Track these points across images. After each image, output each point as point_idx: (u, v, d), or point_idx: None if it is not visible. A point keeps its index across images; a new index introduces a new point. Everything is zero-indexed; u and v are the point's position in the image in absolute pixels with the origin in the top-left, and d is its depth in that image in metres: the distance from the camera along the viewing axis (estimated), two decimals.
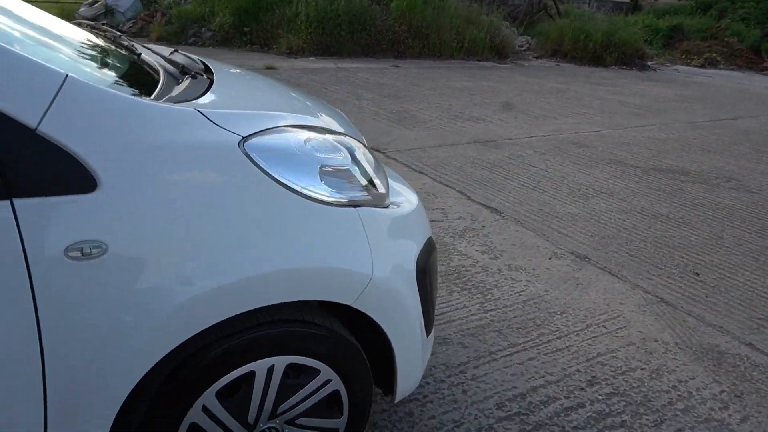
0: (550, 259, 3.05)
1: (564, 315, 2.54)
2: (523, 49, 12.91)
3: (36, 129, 1.02)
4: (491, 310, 2.53)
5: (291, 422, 1.44)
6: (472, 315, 2.48)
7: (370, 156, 1.60)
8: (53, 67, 1.08)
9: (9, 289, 1.03)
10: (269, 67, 8.21)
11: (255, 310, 1.29)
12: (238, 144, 1.24)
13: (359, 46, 10.03)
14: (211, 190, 1.19)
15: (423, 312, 1.62)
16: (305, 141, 1.39)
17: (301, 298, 1.32)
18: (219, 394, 1.32)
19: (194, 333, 1.20)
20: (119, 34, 1.88)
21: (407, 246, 1.56)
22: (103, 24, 9.49)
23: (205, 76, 1.63)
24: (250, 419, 1.37)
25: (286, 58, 9.46)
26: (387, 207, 1.56)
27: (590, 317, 2.54)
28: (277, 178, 1.27)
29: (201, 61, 1.84)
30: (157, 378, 1.23)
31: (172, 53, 1.81)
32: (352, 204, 1.41)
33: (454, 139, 5.16)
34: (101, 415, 1.16)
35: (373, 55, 10.06)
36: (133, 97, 1.20)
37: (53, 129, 1.04)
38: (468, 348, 2.26)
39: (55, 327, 1.07)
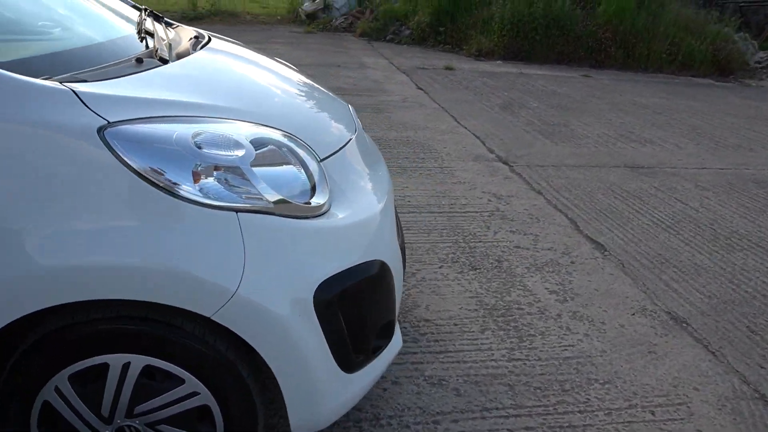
0: (633, 314, 2.51)
1: (606, 386, 2.07)
2: (761, 66, 10.95)
3: None
4: (518, 359, 2.17)
5: (152, 426, 1.38)
6: (492, 360, 2.15)
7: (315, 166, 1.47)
8: None
9: None
10: (448, 68, 8.16)
11: (116, 302, 1.25)
12: (98, 129, 1.20)
13: (553, 53, 9.43)
14: (53, 171, 1.17)
15: (336, 345, 1.42)
16: (193, 135, 1.30)
17: (139, 298, 1.23)
18: (73, 379, 1.30)
19: (24, 313, 1.20)
20: (150, 11, 1.98)
21: (312, 267, 1.38)
22: (314, 18, 10.30)
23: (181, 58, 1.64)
24: (104, 412, 1.34)
25: (472, 60, 9.31)
26: (314, 217, 1.40)
27: (640, 396, 2.03)
28: (136, 168, 1.21)
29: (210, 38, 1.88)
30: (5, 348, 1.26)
31: (175, 27, 1.85)
32: (233, 209, 1.28)
33: (601, 161, 4.56)
34: None
35: (566, 63, 9.39)
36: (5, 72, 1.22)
37: None
38: (461, 397, 1.96)
39: None
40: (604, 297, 2.63)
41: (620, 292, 2.68)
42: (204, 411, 1.39)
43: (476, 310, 2.45)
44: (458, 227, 3.20)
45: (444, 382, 2.03)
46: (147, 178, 1.21)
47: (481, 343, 2.25)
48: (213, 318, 1.27)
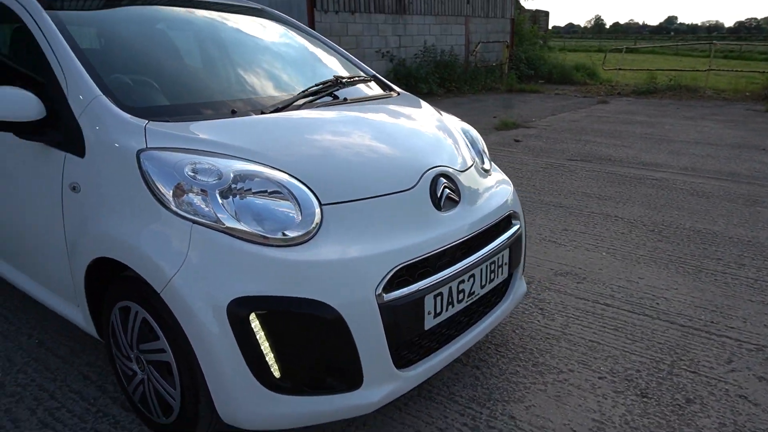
0: None
1: None
2: None
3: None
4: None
5: (147, 363, 1.86)
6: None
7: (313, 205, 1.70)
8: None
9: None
10: None
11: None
12: (138, 151, 1.77)
13: None
14: (116, 174, 1.80)
15: (252, 359, 1.61)
16: (190, 164, 1.72)
17: (130, 264, 1.72)
18: (119, 311, 1.92)
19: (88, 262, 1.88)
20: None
21: (238, 283, 1.59)
22: None
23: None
24: (128, 339, 1.90)
25: None
26: (276, 246, 1.63)
27: None
28: (146, 179, 1.73)
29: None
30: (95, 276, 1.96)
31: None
32: (190, 220, 1.65)
33: None
34: (81, 268, 1.98)
35: None
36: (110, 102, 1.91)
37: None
38: None
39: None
40: None
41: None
42: (167, 366, 1.78)
43: None
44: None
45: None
46: (149, 187, 1.72)
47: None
48: (161, 294, 1.66)
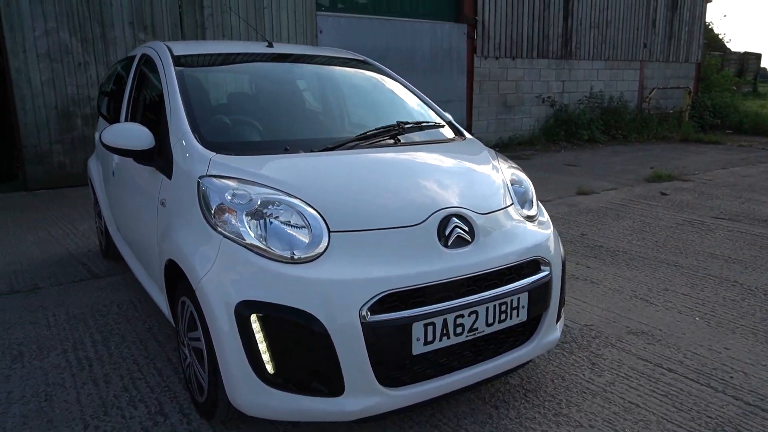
0: None
1: None
2: None
3: None
4: None
5: (190, 348, 2.28)
6: None
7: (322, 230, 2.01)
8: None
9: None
10: None
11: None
12: (199, 177, 2.22)
13: None
14: (186, 195, 2.28)
15: (250, 354, 1.93)
16: (231, 190, 2.11)
17: (175, 259, 2.17)
18: (180, 303, 2.37)
19: (164, 262, 2.36)
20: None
21: (245, 288, 1.93)
22: None
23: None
24: (183, 328, 2.34)
25: None
26: (287, 262, 1.96)
27: None
28: (199, 200, 2.16)
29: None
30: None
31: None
32: (222, 234, 2.03)
33: None
34: (161, 267, 2.48)
35: None
36: (193, 138, 2.39)
37: None
38: None
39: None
40: None
41: None
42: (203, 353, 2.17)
43: None
44: None
45: None
46: (200, 205, 2.15)
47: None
48: (196, 291, 2.06)
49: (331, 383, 1.94)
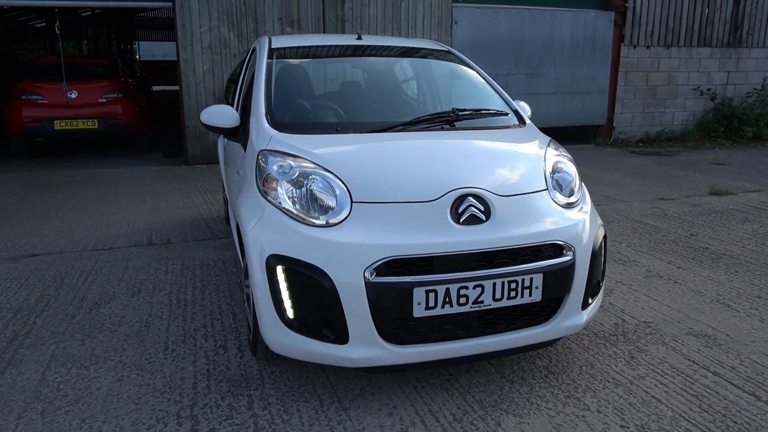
0: None
1: None
2: None
3: None
4: None
5: (245, 294, 2.71)
6: None
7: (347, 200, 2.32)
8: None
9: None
10: None
11: None
12: (260, 150, 2.63)
13: None
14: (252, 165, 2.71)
15: (274, 298, 2.30)
16: (279, 162, 2.48)
17: (236, 217, 2.59)
18: (242, 256, 2.83)
19: (235, 220, 2.82)
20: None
21: (276, 244, 2.29)
22: None
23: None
24: (243, 276, 2.79)
25: None
26: (306, 224, 2.31)
27: None
28: (257, 169, 2.57)
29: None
30: None
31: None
32: (265, 198, 2.42)
33: None
34: (233, 224, 2.99)
35: None
36: (264, 119, 2.80)
37: None
38: None
39: None
40: None
41: None
42: None
43: None
44: None
45: None
46: (256, 174, 2.56)
47: None
48: (245, 244, 2.47)
49: (338, 332, 2.24)
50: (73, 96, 8.18)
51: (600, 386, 2.54)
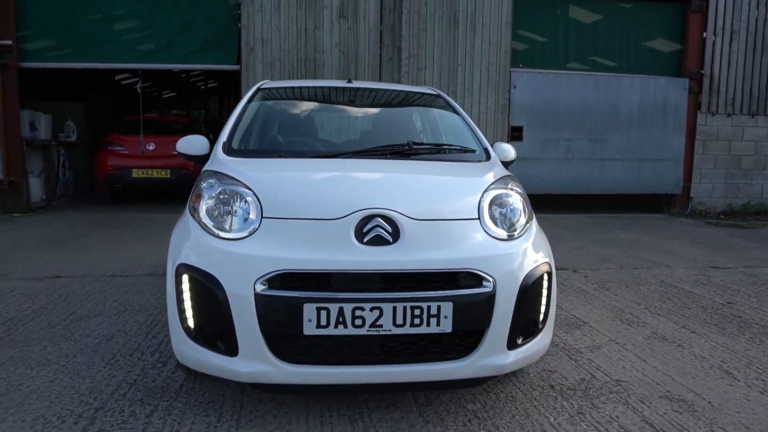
0: None
1: None
2: None
3: None
4: None
5: None
6: None
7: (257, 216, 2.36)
8: None
9: None
10: None
11: None
12: (203, 170, 2.74)
13: None
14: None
15: (180, 311, 2.34)
16: (207, 180, 2.55)
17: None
18: None
19: None
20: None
21: (183, 252, 2.34)
22: None
23: None
24: None
25: None
26: (219, 237, 2.36)
27: None
28: (195, 186, 2.67)
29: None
30: None
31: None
32: (190, 210, 2.50)
33: None
34: None
35: None
36: (221, 146, 2.91)
37: None
38: None
39: None
40: None
41: None
42: None
43: None
44: None
45: None
46: (192, 190, 2.65)
47: None
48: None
49: (228, 344, 2.21)
50: (150, 148, 8.98)
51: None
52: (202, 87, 24.26)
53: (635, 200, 10.22)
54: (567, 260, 5.65)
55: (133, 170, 8.95)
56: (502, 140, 8.90)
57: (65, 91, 12.69)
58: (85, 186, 10.57)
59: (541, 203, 10.24)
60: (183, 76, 20.08)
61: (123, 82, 17.34)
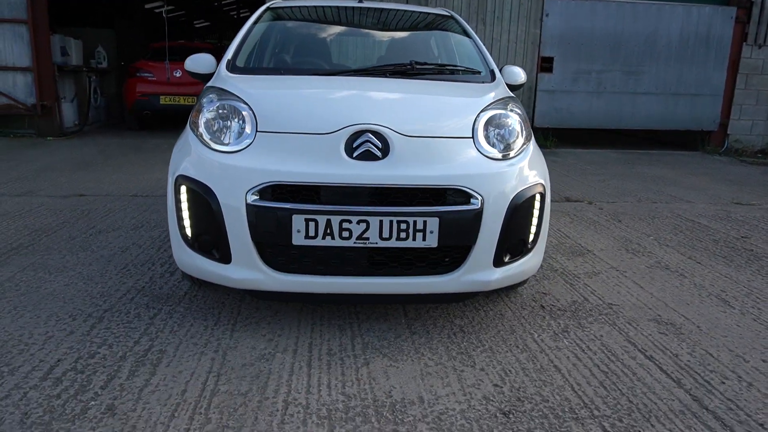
0: None
1: None
2: None
3: None
4: None
5: None
6: None
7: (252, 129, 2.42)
8: None
9: None
10: None
11: None
12: (206, 86, 2.78)
13: None
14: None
15: (179, 220, 2.44)
16: (209, 95, 2.61)
17: None
18: None
19: None
20: None
21: (182, 164, 2.42)
22: None
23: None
24: None
25: None
26: (216, 150, 2.42)
27: None
28: (198, 101, 2.72)
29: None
30: None
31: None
32: (191, 124, 2.56)
33: None
34: None
35: None
36: (225, 64, 2.93)
37: None
38: None
39: None
40: None
41: None
42: None
43: None
44: None
45: None
46: (196, 104, 2.71)
47: None
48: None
49: (222, 252, 2.31)
50: (177, 75, 9.04)
51: (504, 349, 2.36)
52: (234, 16, 23.99)
53: (670, 137, 9.90)
54: (585, 193, 5.59)
55: (161, 97, 9.05)
56: (531, 72, 8.65)
57: (95, 17, 12.72)
58: (116, 112, 10.77)
59: (569, 138, 10.04)
60: (215, 3, 19.83)
61: (156, 10, 17.26)
